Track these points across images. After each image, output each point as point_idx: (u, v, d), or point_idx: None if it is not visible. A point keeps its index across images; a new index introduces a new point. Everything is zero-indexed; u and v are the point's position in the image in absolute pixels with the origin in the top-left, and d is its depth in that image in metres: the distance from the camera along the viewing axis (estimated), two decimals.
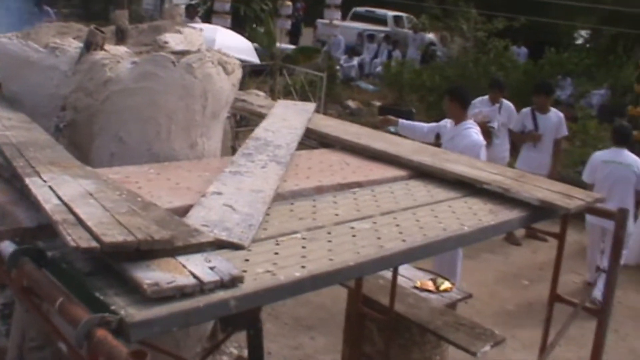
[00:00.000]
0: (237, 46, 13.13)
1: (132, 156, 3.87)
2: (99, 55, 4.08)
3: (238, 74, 4.31)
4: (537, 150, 10.73)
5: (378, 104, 19.48)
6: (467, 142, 7.68)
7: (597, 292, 10.08)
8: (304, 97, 17.82)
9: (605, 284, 4.03)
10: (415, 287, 5.70)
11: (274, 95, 15.34)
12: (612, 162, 9.28)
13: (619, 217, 3.94)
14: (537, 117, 10.80)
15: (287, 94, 17.45)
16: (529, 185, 3.83)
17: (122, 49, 4.37)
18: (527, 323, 7.73)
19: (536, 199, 3.63)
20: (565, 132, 10.98)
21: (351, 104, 19.32)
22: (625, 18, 22.29)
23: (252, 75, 17.86)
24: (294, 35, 27.67)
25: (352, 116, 18.33)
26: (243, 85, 16.55)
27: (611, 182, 9.12)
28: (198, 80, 3.92)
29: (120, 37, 4.88)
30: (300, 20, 28.50)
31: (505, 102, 11.12)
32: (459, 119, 8.00)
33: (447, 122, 8.25)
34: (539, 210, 3.67)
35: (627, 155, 9.29)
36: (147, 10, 32.15)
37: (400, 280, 5.51)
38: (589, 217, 9.06)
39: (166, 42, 4.56)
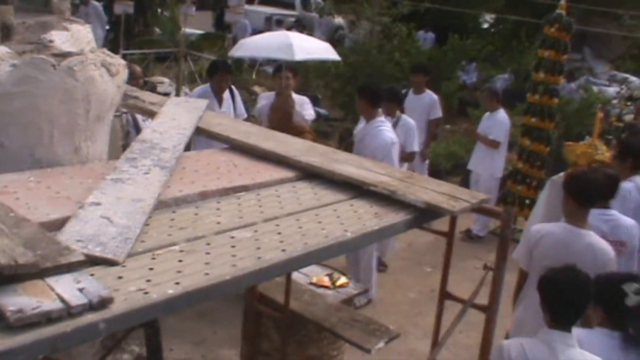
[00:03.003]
0: (316, 47, 12.40)
1: (15, 161, 3.76)
2: None
3: (123, 75, 4.22)
4: None
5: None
6: (377, 143, 7.59)
7: (475, 226, 10.82)
8: None
9: (493, 281, 4.09)
10: (312, 283, 5.71)
11: (179, 82, 15.15)
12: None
13: (505, 216, 4.00)
14: (407, 98, 11.08)
15: (192, 81, 17.27)
16: (415, 187, 3.83)
17: (3, 50, 4.23)
18: (429, 310, 7.75)
19: (422, 202, 3.64)
20: (438, 114, 11.38)
21: (258, 89, 19.22)
22: (526, 5, 22.71)
23: (157, 61, 17.64)
24: (219, 24, 27.14)
25: None
26: (147, 72, 16.30)
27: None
28: (80, 83, 3.82)
29: (6, 34, 4.73)
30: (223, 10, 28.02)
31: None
32: (369, 116, 7.88)
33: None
34: (425, 213, 3.69)
35: None
36: None
37: (297, 276, 5.53)
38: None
39: (51, 41, 4.43)
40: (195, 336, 7.17)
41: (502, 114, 10.87)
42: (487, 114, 11.07)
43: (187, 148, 4.30)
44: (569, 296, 3.98)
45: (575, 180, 5.41)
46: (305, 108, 9.04)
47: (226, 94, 8.99)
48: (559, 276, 4.06)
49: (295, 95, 9.08)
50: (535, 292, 4.52)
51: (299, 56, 11.16)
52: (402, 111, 9.87)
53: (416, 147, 9.52)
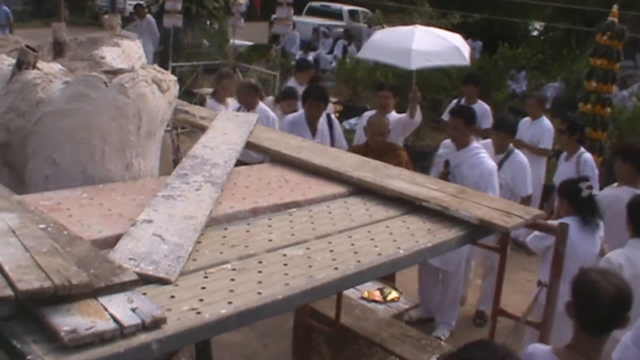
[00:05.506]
0: (440, 51, 10.91)
1: (67, 178, 3.78)
2: (31, 74, 3.97)
3: (174, 91, 4.23)
4: None
5: (333, 100, 19.40)
6: (480, 172, 7.10)
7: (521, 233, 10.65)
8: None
9: (547, 298, 4.01)
10: (363, 298, 5.67)
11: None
12: None
13: (560, 232, 3.92)
14: None
15: None
16: (468, 202, 3.78)
17: (55, 67, 4.27)
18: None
19: (475, 218, 3.59)
20: (489, 125, 11.04)
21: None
22: (576, 13, 22.47)
23: (205, 73, 17.75)
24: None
25: None
26: (196, 84, 16.42)
27: None
28: (131, 100, 3.83)
29: (58, 51, 4.78)
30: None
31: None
32: (465, 142, 7.31)
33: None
34: (478, 229, 3.64)
35: None
36: (102, 7, 31.89)
37: (347, 290, 5.48)
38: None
39: (103, 58, 4.48)
40: (246, 349, 7.15)
41: (546, 121, 10.71)
42: (527, 120, 10.82)
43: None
44: None
45: (629, 148, 7.22)
46: None
47: (322, 124, 8.53)
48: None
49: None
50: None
51: (416, 64, 10.52)
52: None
53: (530, 189, 8.35)
